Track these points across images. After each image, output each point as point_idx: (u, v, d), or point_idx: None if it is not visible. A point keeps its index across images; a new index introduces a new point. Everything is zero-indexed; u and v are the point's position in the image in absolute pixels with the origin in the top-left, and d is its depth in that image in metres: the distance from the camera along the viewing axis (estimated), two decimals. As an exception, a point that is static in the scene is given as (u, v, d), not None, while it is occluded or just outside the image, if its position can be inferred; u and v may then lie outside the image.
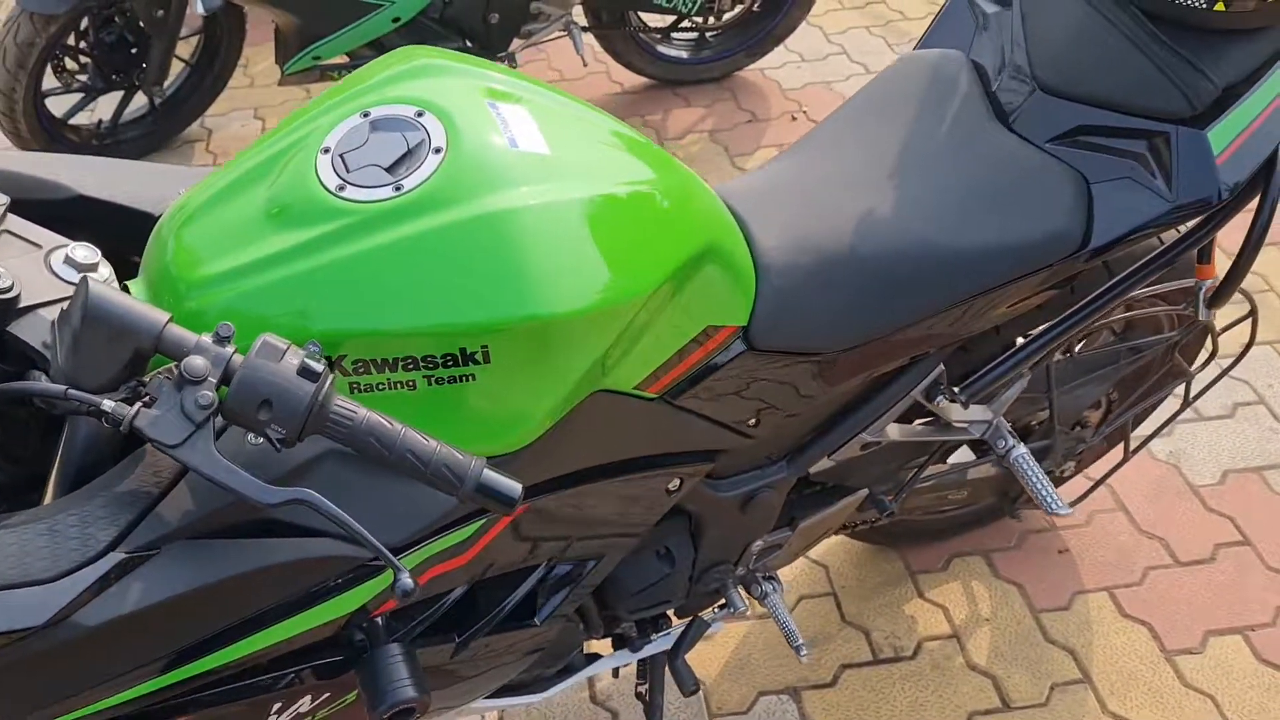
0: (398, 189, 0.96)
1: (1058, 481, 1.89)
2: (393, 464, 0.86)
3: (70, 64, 2.91)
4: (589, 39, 3.21)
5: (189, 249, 1.00)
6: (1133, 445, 1.82)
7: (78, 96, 2.98)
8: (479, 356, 0.96)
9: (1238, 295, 1.53)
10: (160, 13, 2.73)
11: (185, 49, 3.19)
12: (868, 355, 1.30)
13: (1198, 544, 2.02)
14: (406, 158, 0.98)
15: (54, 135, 2.91)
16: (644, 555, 1.45)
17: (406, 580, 0.86)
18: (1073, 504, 1.92)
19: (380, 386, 0.96)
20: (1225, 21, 1.22)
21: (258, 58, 3.56)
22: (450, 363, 0.96)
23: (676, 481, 1.29)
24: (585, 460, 1.17)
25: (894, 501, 1.58)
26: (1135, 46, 1.24)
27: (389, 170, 0.98)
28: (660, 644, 1.58)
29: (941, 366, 1.39)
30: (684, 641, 1.55)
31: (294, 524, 0.94)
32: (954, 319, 1.30)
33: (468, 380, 0.97)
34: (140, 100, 3.09)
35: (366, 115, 1.02)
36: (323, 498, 0.86)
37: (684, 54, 3.43)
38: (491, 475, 0.89)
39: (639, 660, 1.61)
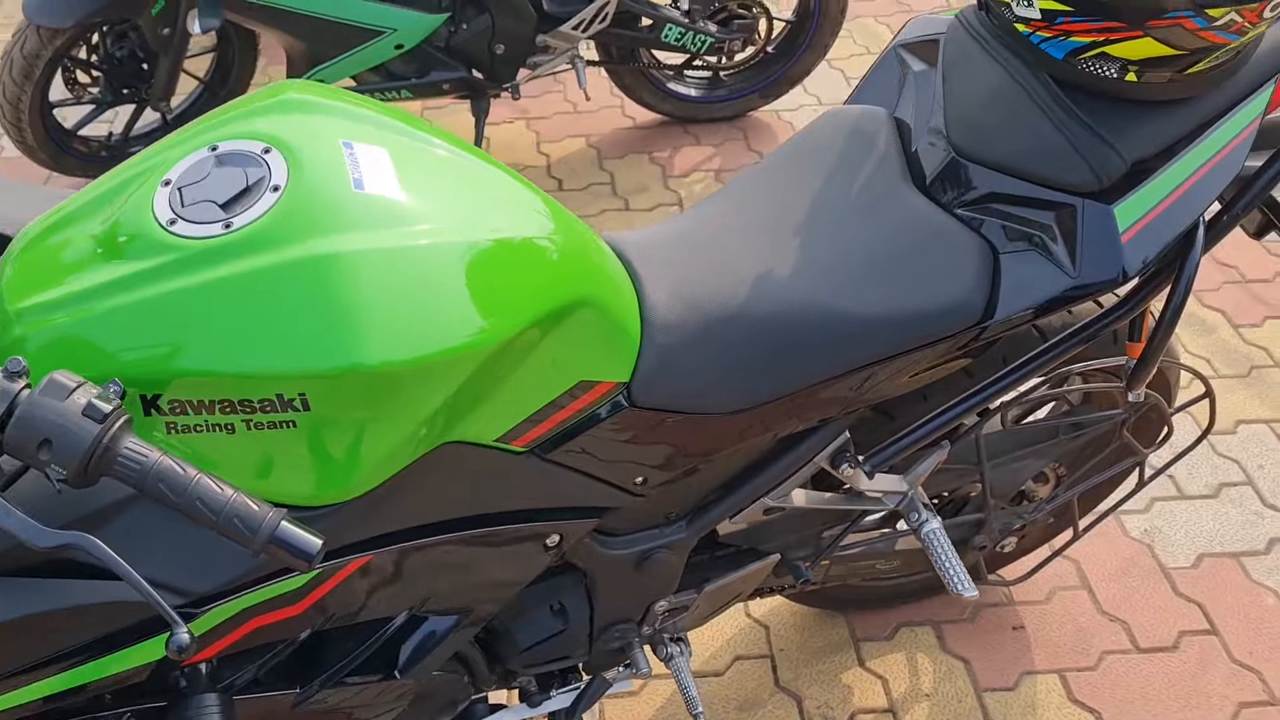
0: (227, 226, 0.94)
1: (1000, 557, 1.81)
2: (183, 511, 0.84)
3: (82, 76, 2.96)
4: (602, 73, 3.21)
5: (22, 275, 0.98)
6: (1086, 524, 1.74)
7: (89, 108, 3.02)
8: (297, 404, 0.93)
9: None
10: (166, 31, 2.77)
11: (201, 66, 3.25)
12: (761, 418, 1.25)
13: (1161, 630, 1.92)
14: (243, 195, 0.96)
15: (62, 145, 2.96)
16: (536, 610, 1.41)
17: (182, 635, 0.83)
18: (1014, 582, 1.86)
19: (198, 428, 0.93)
20: (1138, 92, 1.16)
21: (280, 76, 3.61)
22: (269, 408, 0.93)
23: (555, 538, 1.24)
24: (442, 512, 1.13)
25: (811, 568, 1.52)
26: (1045, 115, 1.18)
27: (223, 207, 0.95)
28: (565, 699, 1.53)
29: (846, 434, 1.34)
30: (582, 700, 1.50)
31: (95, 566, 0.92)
32: (852, 386, 1.25)
33: (287, 427, 0.94)
34: (152, 115, 3.13)
35: (214, 149, 1.00)
36: (99, 544, 0.83)
37: (696, 92, 3.40)
38: (288, 529, 0.85)
39: (547, 714, 1.56)
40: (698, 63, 3.35)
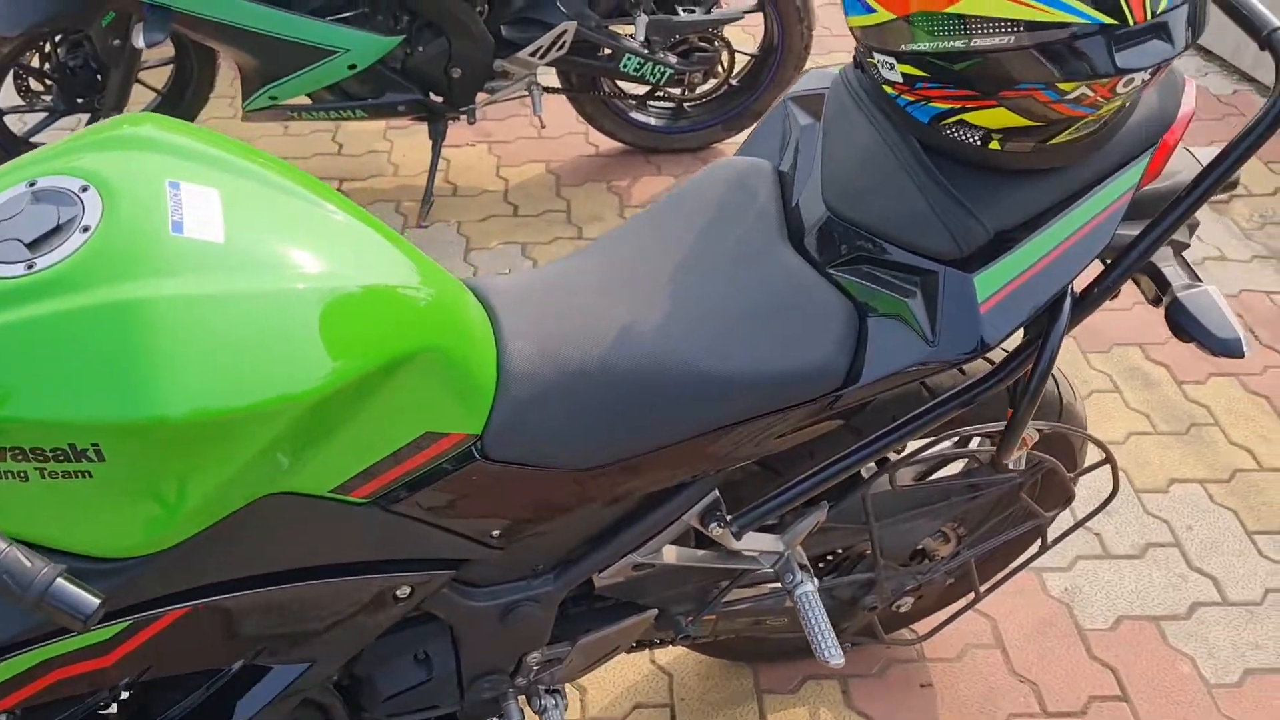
0: (30, 267, 0.91)
1: (895, 618, 1.78)
2: None
3: (35, 84, 2.94)
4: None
5: None
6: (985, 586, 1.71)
7: (42, 116, 3.01)
8: (91, 454, 0.90)
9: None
10: (116, 42, 2.76)
11: (161, 78, 3.23)
12: (620, 475, 1.22)
13: (1071, 694, 1.88)
14: (53, 234, 0.93)
15: (10, 151, 2.95)
16: (399, 659, 1.37)
17: None
18: (913, 642, 1.82)
19: None
20: (1002, 161, 1.13)
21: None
22: (62, 458, 0.90)
23: (406, 590, 1.21)
24: (273, 563, 1.10)
25: (693, 624, 1.49)
26: (911, 179, 1.16)
27: (29, 246, 0.92)
28: None
29: (715, 494, 1.30)
30: None
31: None
32: (713, 446, 1.21)
33: (83, 476, 0.91)
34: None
35: (32, 185, 0.97)
36: None
37: (659, 122, 3.39)
38: (63, 587, 0.82)
39: None
40: (660, 93, 3.33)
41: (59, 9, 2.65)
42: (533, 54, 2.95)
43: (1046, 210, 1.15)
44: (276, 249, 1.01)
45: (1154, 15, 1.00)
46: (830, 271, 1.23)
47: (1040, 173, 1.15)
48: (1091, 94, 1.02)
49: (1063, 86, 1.02)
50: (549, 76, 3.43)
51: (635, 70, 3.09)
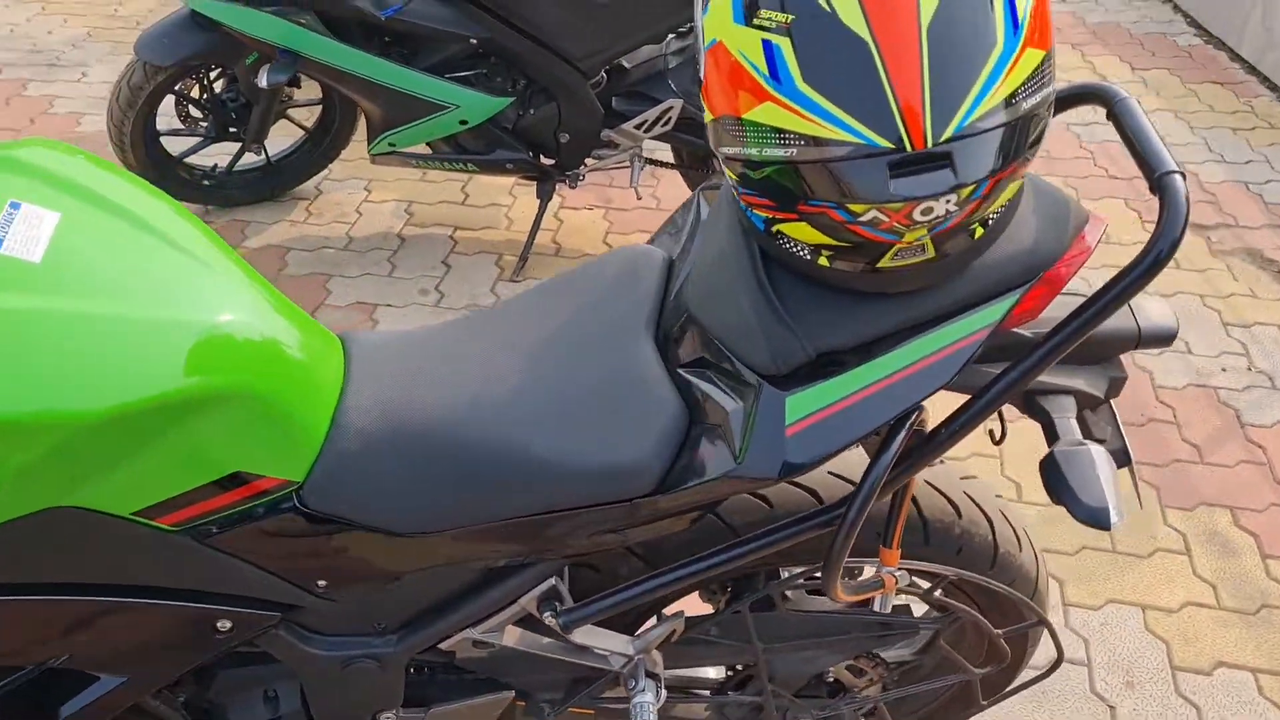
0: None
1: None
2: None
3: (194, 111, 3.23)
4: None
5: None
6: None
7: (196, 140, 3.29)
8: None
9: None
10: (256, 80, 2.99)
11: (310, 117, 3.49)
12: (449, 545, 1.20)
13: None
14: None
15: (165, 171, 3.23)
16: (249, 692, 1.40)
17: None
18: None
19: None
20: (835, 279, 1.05)
21: (395, 136, 3.81)
22: None
23: (228, 624, 1.23)
24: (75, 573, 1.14)
25: (553, 713, 1.44)
26: (745, 287, 1.09)
27: None
28: None
29: (554, 581, 1.26)
30: None
31: None
32: (536, 531, 1.18)
33: None
34: (257, 155, 3.38)
35: None
36: None
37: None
38: None
39: None
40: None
41: (208, 46, 2.91)
42: (638, 126, 3.00)
43: (884, 337, 1.06)
44: (92, 275, 1.06)
45: (935, 144, 0.91)
46: (679, 371, 1.18)
47: (883, 296, 1.06)
48: (886, 219, 0.94)
49: (853, 208, 0.94)
50: (665, 151, 3.47)
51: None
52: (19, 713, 1.25)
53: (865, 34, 0.90)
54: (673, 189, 3.58)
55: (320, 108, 3.39)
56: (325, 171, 3.65)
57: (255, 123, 3.11)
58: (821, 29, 0.91)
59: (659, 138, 3.05)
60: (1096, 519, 1.08)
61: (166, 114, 3.29)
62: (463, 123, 2.96)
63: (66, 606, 1.15)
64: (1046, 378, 1.19)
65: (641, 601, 1.25)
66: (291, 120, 3.40)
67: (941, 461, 1.44)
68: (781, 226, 1.01)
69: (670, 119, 2.98)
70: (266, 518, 1.16)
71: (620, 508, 1.14)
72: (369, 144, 3.06)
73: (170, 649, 1.24)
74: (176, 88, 3.12)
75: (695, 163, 3.20)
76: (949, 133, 0.91)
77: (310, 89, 3.34)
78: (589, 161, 3.12)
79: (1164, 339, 1.21)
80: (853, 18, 0.91)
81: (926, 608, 1.56)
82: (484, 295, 3.09)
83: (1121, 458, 1.22)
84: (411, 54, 2.89)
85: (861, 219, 0.95)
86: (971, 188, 0.93)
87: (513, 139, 3.04)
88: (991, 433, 1.24)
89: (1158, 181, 1.02)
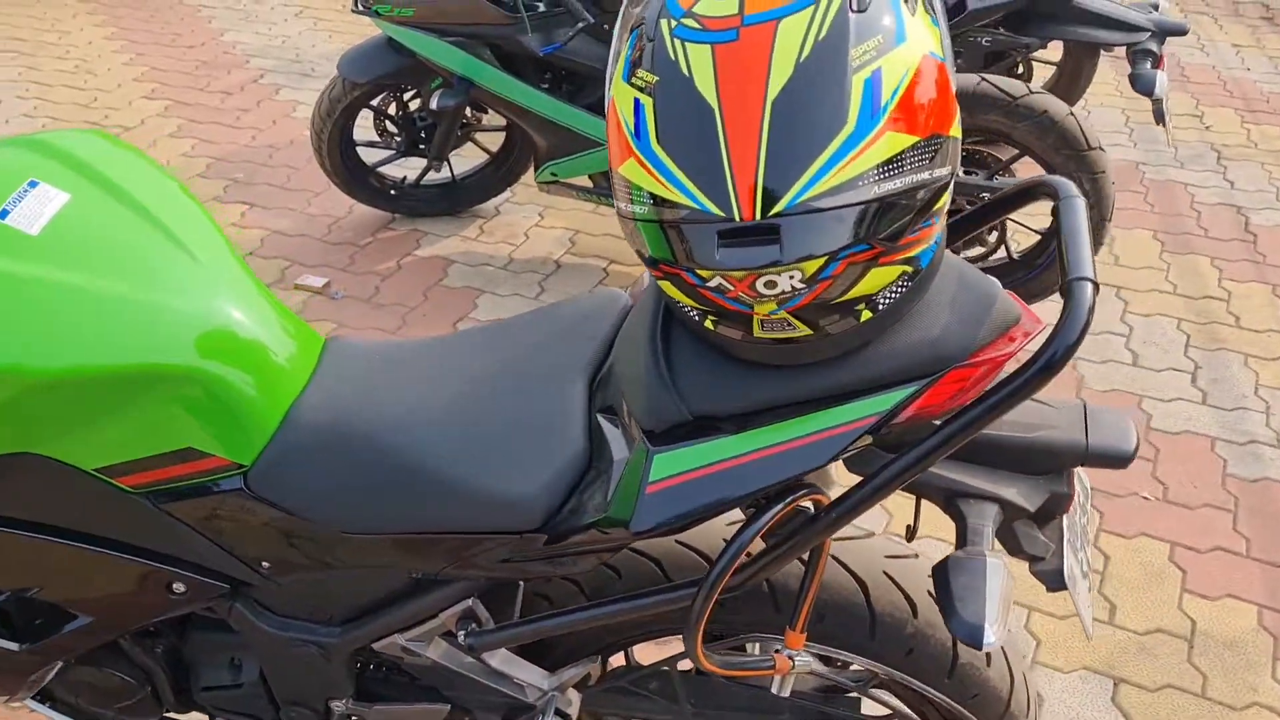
0: None
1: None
2: None
3: (391, 126, 3.50)
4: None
5: None
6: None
7: (389, 153, 3.56)
8: None
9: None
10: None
11: (496, 141, 3.70)
12: (374, 548, 1.27)
13: None
14: None
15: (355, 177, 3.52)
16: (215, 655, 1.52)
17: None
18: None
19: None
20: (723, 343, 1.04)
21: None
22: None
23: (182, 587, 1.35)
24: (46, 514, 1.28)
25: None
26: (644, 338, 1.10)
27: None
28: None
29: (471, 601, 1.30)
30: None
31: None
32: (438, 549, 1.23)
33: None
34: (446, 171, 3.62)
35: None
36: None
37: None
38: None
39: None
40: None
41: (399, 68, 3.16)
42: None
43: (766, 410, 1.04)
44: (82, 252, 1.20)
45: (762, 217, 0.89)
46: (597, 415, 1.20)
47: (773, 368, 1.04)
48: (731, 287, 0.93)
49: (700, 272, 0.93)
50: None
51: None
52: (3, 632, 1.41)
53: (714, 101, 0.91)
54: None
55: (504, 134, 3.59)
56: (507, 194, 3.85)
57: (437, 142, 3.33)
58: (678, 92, 0.92)
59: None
60: (971, 636, 1.01)
61: (367, 126, 3.58)
62: (618, 160, 3.04)
63: (40, 544, 1.30)
64: (970, 480, 1.13)
65: (540, 636, 1.27)
66: (477, 144, 3.62)
67: (915, 555, 1.38)
68: (661, 284, 1.02)
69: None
70: (215, 495, 1.26)
71: (509, 539, 1.17)
72: (534, 171, 3.22)
73: (130, 600, 1.37)
74: (375, 103, 3.39)
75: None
76: (778, 207, 0.90)
77: (497, 116, 3.55)
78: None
79: (1116, 460, 1.12)
80: (706, 84, 0.91)
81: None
82: (617, 329, 3.17)
83: (1054, 580, 1.14)
84: (576, 90, 3.02)
85: (709, 284, 0.94)
86: (817, 265, 0.91)
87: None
88: (908, 528, 1.18)
89: (1069, 284, 0.97)
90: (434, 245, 3.57)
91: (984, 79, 2.82)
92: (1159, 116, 2.70)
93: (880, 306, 1.00)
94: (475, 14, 2.87)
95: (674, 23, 0.95)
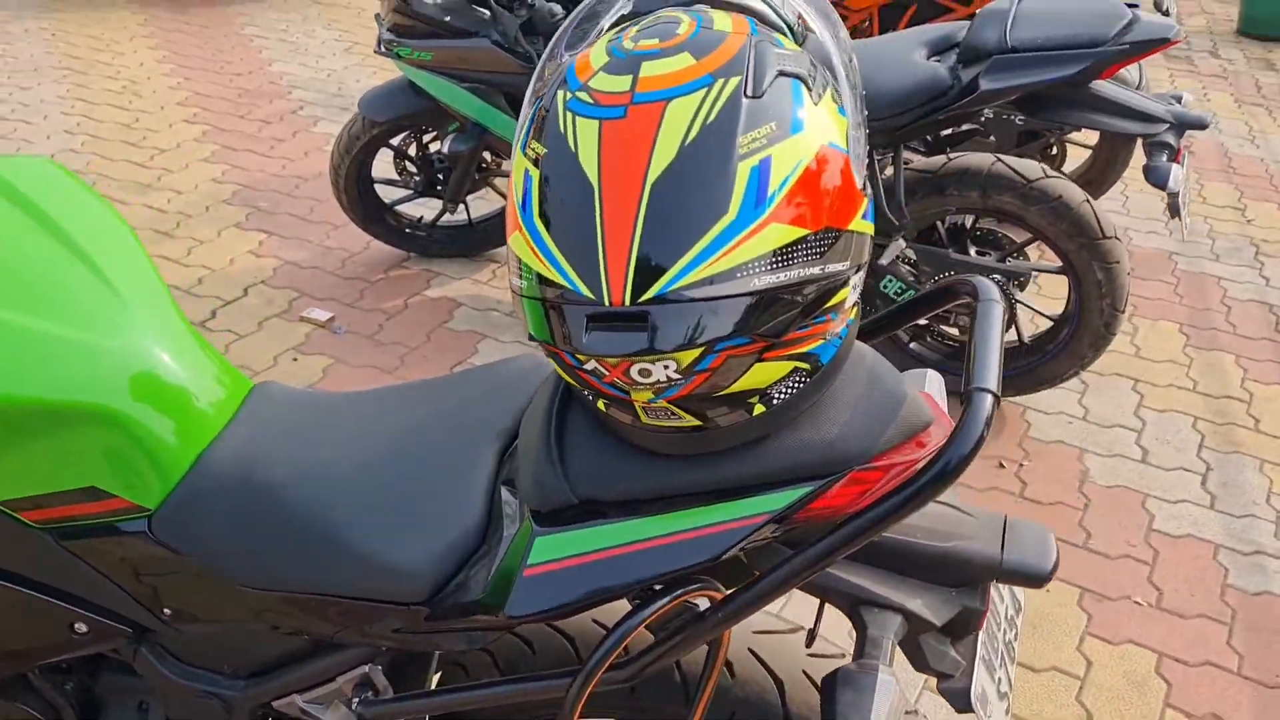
0: None
1: None
2: None
3: (409, 166, 3.52)
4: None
5: None
6: None
7: (407, 192, 3.58)
8: None
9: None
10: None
11: (517, 187, 3.70)
12: (275, 604, 1.23)
13: None
14: None
15: (372, 213, 3.53)
16: (124, 695, 1.48)
17: None
18: None
19: None
20: (616, 427, 1.00)
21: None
22: None
23: (84, 628, 1.32)
24: None
25: None
26: (541, 413, 1.06)
27: None
28: None
29: (366, 668, 1.26)
30: None
31: None
32: (331, 612, 1.19)
33: None
34: (463, 214, 3.63)
35: None
36: None
37: (932, 356, 3.18)
38: None
39: None
40: (935, 329, 3.13)
41: (418, 108, 3.17)
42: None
43: (655, 499, 0.99)
44: (2, 282, 1.20)
45: (632, 303, 0.85)
46: (502, 486, 1.16)
47: (665, 457, 1.00)
48: (606, 372, 0.89)
49: (579, 356, 0.89)
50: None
51: (896, 294, 2.96)
52: None
53: (594, 179, 0.87)
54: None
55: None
56: (524, 241, 3.84)
57: (453, 184, 3.34)
58: (562, 167, 0.89)
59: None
60: None
61: (389, 164, 3.61)
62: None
63: None
64: (875, 588, 1.07)
65: (426, 712, 1.22)
66: (495, 189, 3.63)
67: (841, 655, 1.31)
68: (550, 360, 0.98)
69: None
70: (118, 537, 1.24)
71: (396, 609, 1.13)
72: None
73: (31, 637, 1.34)
74: (395, 143, 3.41)
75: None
76: (649, 294, 0.85)
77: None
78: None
79: (1031, 578, 1.06)
80: (589, 161, 0.88)
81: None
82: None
83: (960, 700, 1.07)
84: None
85: (585, 367, 0.90)
86: (693, 356, 0.87)
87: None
88: (809, 631, 1.12)
89: (970, 393, 0.93)
90: (444, 286, 3.56)
91: (999, 159, 2.77)
92: (1174, 210, 2.63)
93: (774, 401, 0.95)
94: (491, 62, 2.88)
95: (569, 95, 0.92)
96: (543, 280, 0.90)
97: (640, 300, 0.86)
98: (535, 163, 0.91)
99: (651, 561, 0.98)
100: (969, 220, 2.96)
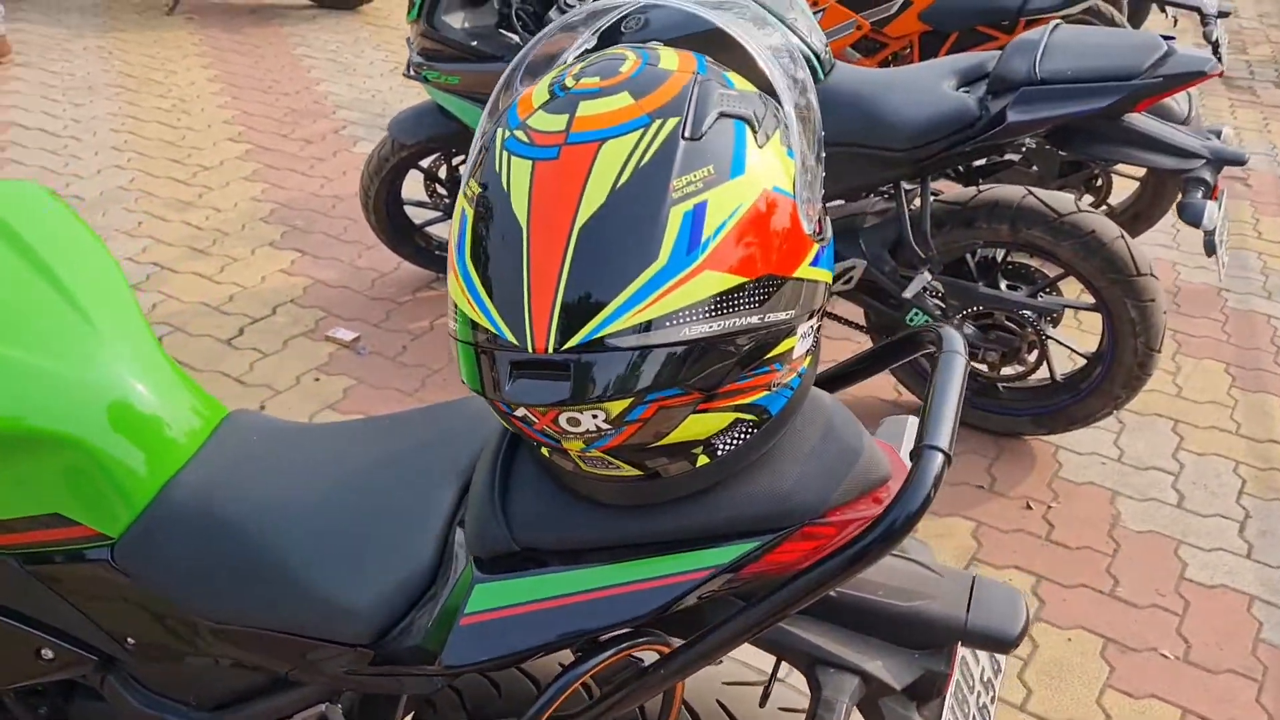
0: None
1: None
2: None
3: (440, 189, 3.52)
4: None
5: None
6: None
7: (437, 214, 3.59)
8: None
9: None
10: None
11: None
12: (227, 637, 1.21)
13: None
14: None
15: (402, 235, 3.54)
16: None
17: None
18: None
19: None
20: (561, 475, 0.97)
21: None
22: None
23: (50, 654, 1.31)
24: None
25: None
26: (489, 458, 1.03)
27: None
28: None
29: (323, 707, 1.23)
30: None
31: None
32: (283, 649, 1.16)
33: None
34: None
35: None
36: None
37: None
38: None
39: None
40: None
41: (447, 131, 3.18)
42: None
43: (599, 549, 0.96)
44: None
45: (555, 351, 0.81)
46: (456, 527, 1.13)
47: (613, 506, 0.96)
48: (536, 420, 0.85)
49: (509, 404, 0.86)
50: (856, 311, 3.33)
51: (922, 328, 2.88)
52: None
53: (523, 221, 0.84)
54: (851, 347, 3.42)
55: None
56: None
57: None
58: (494, 208, 0.86)
59: (840, 294, 2.93)
60: None
61: (419, 184, 3.62)
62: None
63: None
64: (833, 647, 1.02)
65: None
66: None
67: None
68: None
69: (851, 278, 2.86)
70: (81, 564, 1.23)
71: (343, 649, 1.10)
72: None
73: (3, 664, 1.33)
74: (425, 165, 3.42)
75: (880, 329, 3.04)
76: (573, 342, 0.82)
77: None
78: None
79: (997, 643, 1.00)
80: (520, 202, 0.85)
81: None
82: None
83: None
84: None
85: (515, 414, 0.87)
86: (622, 407, 0.83)
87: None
88: (765, 689, 1.07)
89: (920, 450, 0.88)
90: (471, 309, 3.56)
91: (1030, 192, 2.70)
92: (1209, 248, 2.54)
93: (719, 452, 0.91)
94: (516, 87, 2.87)
95: (508, 133, 0.89)
96: (473, 324, 0.87)
97: (564, 348, 0.82)
98: (471, 202, 0.89)
99: (592, 614, 0.95)
100: (1000, 254, 2.89)
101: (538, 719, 0.99)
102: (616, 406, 0.83)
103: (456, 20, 2.98)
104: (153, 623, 1.25)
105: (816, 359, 0.99)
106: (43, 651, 1.31)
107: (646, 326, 0.82)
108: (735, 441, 0.92)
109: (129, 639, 1.28)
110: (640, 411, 0.84)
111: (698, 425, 0.88)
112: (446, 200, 3.52)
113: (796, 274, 0.88)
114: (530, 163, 0.85)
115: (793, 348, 0.91)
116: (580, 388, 0.82)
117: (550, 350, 0.83)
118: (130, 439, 1.22)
